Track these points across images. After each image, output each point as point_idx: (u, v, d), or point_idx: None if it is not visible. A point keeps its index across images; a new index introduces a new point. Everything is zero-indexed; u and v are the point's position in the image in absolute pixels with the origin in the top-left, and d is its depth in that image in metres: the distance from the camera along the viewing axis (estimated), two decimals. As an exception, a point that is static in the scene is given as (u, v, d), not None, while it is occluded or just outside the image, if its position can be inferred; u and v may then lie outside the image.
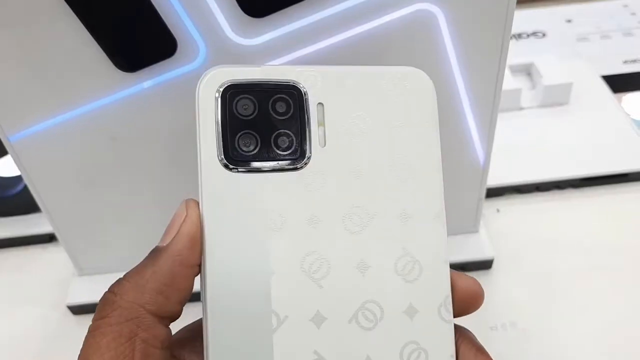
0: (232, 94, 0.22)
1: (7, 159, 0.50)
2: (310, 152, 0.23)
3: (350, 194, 0.23)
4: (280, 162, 0.22)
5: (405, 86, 0.24)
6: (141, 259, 0.22)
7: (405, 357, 0.22)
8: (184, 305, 0.22)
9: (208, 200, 0.21)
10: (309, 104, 0.23)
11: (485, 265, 0.45)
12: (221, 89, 0.22)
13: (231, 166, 0.22)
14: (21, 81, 0.34)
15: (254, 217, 0.22)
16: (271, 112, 0.22)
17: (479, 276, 0.45)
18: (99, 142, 0.37)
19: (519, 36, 0.66)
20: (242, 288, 0.21)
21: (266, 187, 0.22)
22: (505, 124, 0.55)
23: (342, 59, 0.33)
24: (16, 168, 0.51)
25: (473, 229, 0.46)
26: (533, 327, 0.41)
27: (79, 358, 0.20)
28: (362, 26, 0.33)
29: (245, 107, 0.22)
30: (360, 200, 0.23)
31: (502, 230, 0.48)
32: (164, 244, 0.21)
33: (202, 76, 0.22)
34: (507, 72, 0.58)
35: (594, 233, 0.47)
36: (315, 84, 0.23)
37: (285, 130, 0.23)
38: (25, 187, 0.50)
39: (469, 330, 0.24)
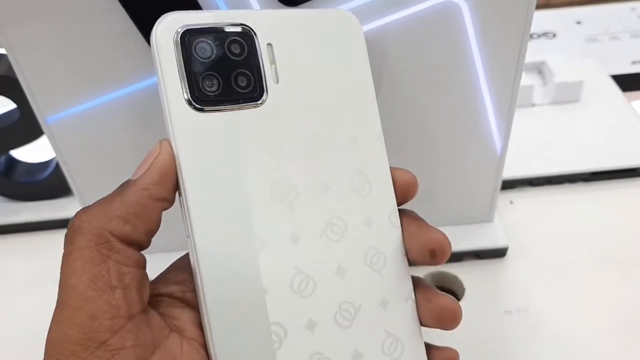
0: (190, 38, 0.23)
1: (36, 145, 0.52)
2: (267, 89, 0.24)
3: (306, 124, 0.25)
4: (242, 100, 0.23)
5: (338, 26, 0.26)
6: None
7: (368, 261, 0.25)
8: (151, 237, 0.22)
9: (181, 140, 0.22)
10: (259, 45, 0.24)
11: (499, 253, 0.47)
12: (180, 33, 0.22)
13: (198, 106, 0.22)
14: (59, 64, 0.35)
15: (225, 153, 0.23)
16: (227, 53, 0.23)
17: (493, 264, 0.47)
18: (131, 126, 0.38)
19: (530, 36, 0.68)
20: (226, 219, 0.23)
21: (232, 123, 0.23)
22: (517, 119, 0.56)
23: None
24: (45, 154, 0.53)
25: (488, 218, 0.47)
26: (545, 312, 0.43)
27: (59, 284, 0.20)
28: (388, 17, 0.34)
29: (204, 49, 0.23)
30: (316, 129, 0.25)
31: (516, 221, 0.49)
32: (134, 178, 0.22)
33: (157, 23, 0.22)
34: (519, 69, 0.60)
35: (604, 225, 0.49)
36: (262, 25, 0.24)
37: (243, 70, 0.24)
38: (53, 173, 0.52)
39: (409, 210, 0.27)
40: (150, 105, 0.37)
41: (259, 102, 0.24)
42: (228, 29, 0.23)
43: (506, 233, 0.47)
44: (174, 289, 0.24)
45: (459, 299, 0.45)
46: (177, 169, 0.22)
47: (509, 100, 0.39)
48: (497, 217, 0.48)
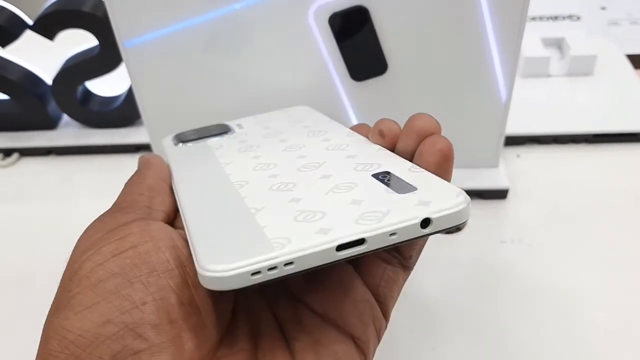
0: (180, 136, 0.36)
1: (108, 83, 0.60)
2: (234, 130, 0.36)
3: (265, 133, 0.34)
4: (214, 135, 0.35)
5: (293, 110, 0.39)
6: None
7: (330, 147, 0.30)
8: (169, 204, 0.28)
9: (172, 161, 0.32)
10: (231, 125, 0.37)
11: (501, 194, 0.52)
12: (175, 138, 0.36)
13: (181, 143, 0.35)
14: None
15: (203, 164, 0.31)
16: (207, 134, 0.35)
17: (495, 203, 0.53)
18: (194, 56, 0.46)
19: (555, 18, 0.73)
20: (215, 198, 0.28)
21: (207, 145, 0.34)
22: (532, 87, 0.62)
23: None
24: (114, 91, 0.62)
25: (494, 164, 0.53)
26: (536, 244, 0.49)
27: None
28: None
29: (189, 135, 0.36)
30: (275, 133, 0.34)
31: (520, 171, 0.55)
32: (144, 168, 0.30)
33: (165, 138, 0.36)
34: (539, 43, 0.65)
35: (601, 180, 0.54)
36: (238, 121, 0.38)
37: (218, 131, 0.36)
38: (120, 106, 0.61)
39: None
40: (212, 36, 0.45)
41: (227, 133, 0.35)
42: (210, 127, 0.37)
43: (510, 179, 0.53)
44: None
45: (460, 229, 0.51)
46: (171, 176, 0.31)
47: (514, 50, 0.45)
48: (502, 165, 0.54)
